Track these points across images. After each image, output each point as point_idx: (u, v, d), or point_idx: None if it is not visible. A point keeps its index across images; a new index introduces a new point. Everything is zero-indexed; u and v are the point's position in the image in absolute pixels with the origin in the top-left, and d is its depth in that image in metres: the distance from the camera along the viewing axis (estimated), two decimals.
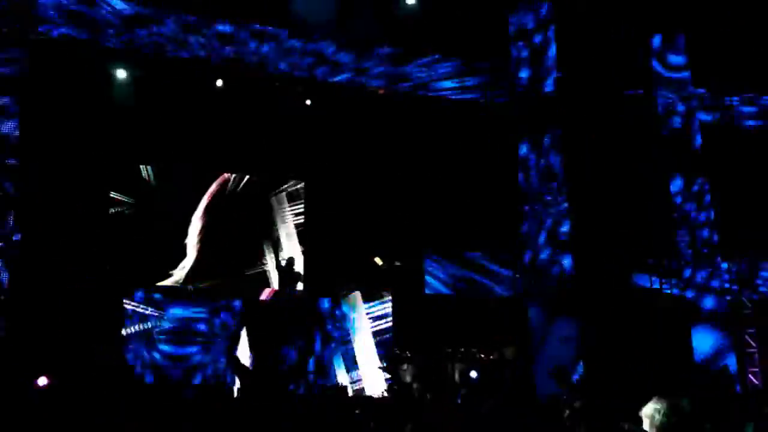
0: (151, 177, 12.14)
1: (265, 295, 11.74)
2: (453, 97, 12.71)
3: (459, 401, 8.16)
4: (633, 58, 12.55)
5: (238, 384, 9.69)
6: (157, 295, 11.37)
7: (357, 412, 6.12)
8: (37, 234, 10.22)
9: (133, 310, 11.06)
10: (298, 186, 13.08)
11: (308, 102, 12.47)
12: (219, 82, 11.95)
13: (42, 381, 9.35)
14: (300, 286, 12.12)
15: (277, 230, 12.81)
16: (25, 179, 9.66)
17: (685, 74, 12.77)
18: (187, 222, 12.21)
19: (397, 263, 12.57)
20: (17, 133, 9.45)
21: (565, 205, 11.42)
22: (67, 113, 10.86)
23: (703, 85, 13.10)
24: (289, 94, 12.39)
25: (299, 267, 12.59)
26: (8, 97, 9.38)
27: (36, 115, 10.05)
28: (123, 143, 11.59)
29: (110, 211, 11.62)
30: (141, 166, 12.11)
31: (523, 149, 12.04)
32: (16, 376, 9.11)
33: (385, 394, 9.95)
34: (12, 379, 9.06)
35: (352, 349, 11.76)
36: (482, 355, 11.79)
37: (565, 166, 11.65)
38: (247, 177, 12.78)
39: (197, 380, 10.77)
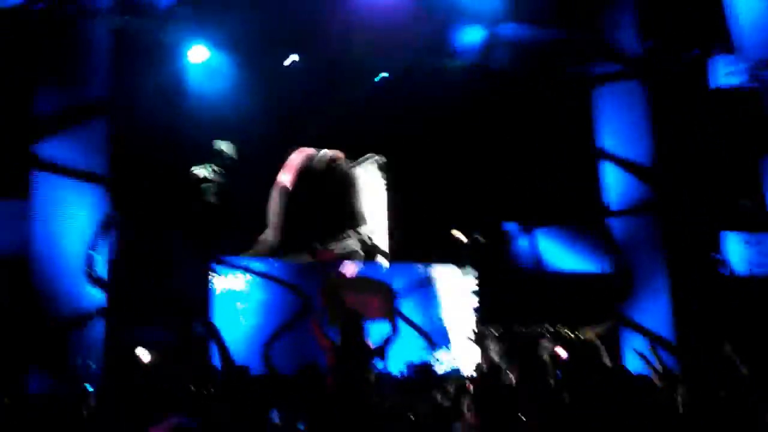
0: (231, 152, 12.34)
1: (346, 269, 11.60)
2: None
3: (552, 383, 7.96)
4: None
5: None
6: (241, 268, 11.41)
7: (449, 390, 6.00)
8: (127, 208, 10.52)
9: (218, 282, 11.18)
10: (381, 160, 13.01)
11: (386, 74, 12.35)
12: (294, 57, 11.97)
13: (143, 355, 9.67)
14: (384, 261, 12.11)
15: (360, 205, 12.82)
16: (115, 157, 9.87)
17: None
18: (267, 196, 12.33)
19: (481, 238, 12.37)
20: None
21: None
22: (148, 91, 11.10)
23: None
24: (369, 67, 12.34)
25: (382, 242, 12.58)
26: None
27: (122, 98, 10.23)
28: (202, 120, 11.82)
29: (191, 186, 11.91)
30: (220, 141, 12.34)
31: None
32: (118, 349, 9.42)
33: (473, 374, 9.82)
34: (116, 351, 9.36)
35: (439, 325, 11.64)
36: (572, 334, 11.50)
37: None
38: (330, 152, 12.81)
39: (281, 355, 10.88)
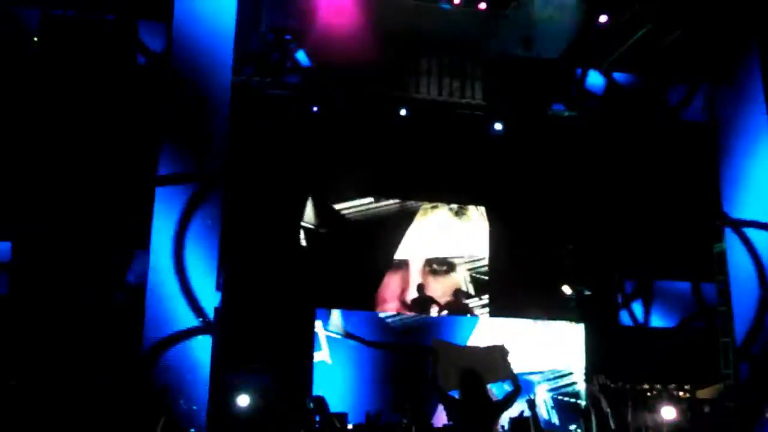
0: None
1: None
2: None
3: None
4: None
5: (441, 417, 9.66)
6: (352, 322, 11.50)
7: None
8: (238, 259, 10.80)
9: (327, 336, 11.26)
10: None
11: (499, 126, 12.33)
12: (402, 111, 12.17)
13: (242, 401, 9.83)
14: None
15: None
16: (229, 209, 10.14)
17: None
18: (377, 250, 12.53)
19: (588, 292, 12.09)
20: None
21: None
22: (261, 149, 11.51)
23: None
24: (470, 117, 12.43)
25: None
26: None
27: (237, 151, 10.59)
28: (311, 175, 12.17)
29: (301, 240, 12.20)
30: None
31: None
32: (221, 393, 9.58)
33: None
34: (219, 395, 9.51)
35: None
36: (680, 393, 11.02)
37: None
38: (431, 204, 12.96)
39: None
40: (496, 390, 8.37)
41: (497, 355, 6.75)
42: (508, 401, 5.74)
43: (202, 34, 9.72)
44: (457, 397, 5.71)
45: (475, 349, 9.48)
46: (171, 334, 9.00)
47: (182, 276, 9.16)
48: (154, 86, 10.16)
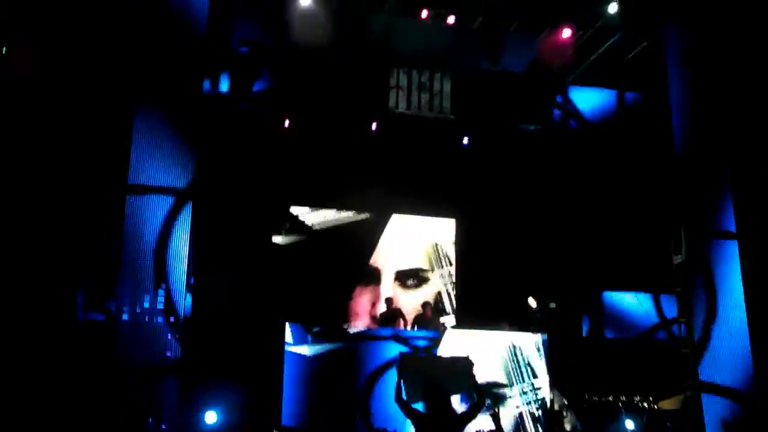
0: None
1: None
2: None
3: None
4: None
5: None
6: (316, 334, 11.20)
7: None
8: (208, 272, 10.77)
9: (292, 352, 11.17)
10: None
11: (466, 140, 12.50)
12: (373, 125, 12.33)
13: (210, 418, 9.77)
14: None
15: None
16: (198, 223, 10.09)
17: None
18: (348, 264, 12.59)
19: (553, 305, 12.25)
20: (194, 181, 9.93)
21: None
22: (232, 161, 11.53)
23: None
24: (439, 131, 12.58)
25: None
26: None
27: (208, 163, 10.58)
28: (283, 188, 12.25)
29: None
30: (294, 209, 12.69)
31: None
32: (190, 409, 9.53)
33: None
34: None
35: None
36: (645, 405, 11.20)
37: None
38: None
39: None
40: (466, 402, 8.43)
41: (462, 366, 6.85)
42: (471, 413, 5.83)
43: (173, 45, 9.68)
44: (421, 410, 5.79)
45: (441, 361, 9.59)
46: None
47: (156, 285, 9.13)
48: (126, 96, 10.12)
